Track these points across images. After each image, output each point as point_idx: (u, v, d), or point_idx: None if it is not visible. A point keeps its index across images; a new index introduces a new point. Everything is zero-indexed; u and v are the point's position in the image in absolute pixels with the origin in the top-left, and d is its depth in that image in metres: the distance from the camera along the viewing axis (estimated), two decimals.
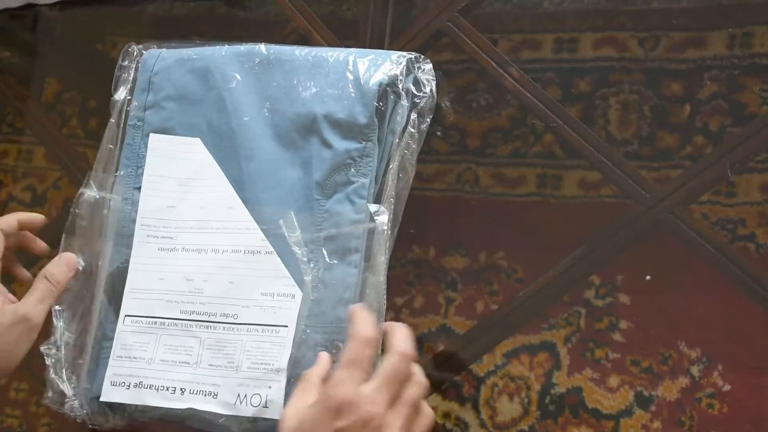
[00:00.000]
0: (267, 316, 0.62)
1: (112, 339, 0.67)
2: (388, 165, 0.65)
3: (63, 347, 0.69)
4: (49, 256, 0.68)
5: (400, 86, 0.66)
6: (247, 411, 0.61)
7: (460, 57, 0.73)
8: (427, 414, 0.53)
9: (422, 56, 0.68)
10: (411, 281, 0.70)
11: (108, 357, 0.66)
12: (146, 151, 0.70)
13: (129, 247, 0.68)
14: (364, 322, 0.54)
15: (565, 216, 0.68)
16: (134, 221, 0.69)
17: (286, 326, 0.62)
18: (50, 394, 0.68)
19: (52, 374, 0.68)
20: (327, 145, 0.65)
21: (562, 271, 0.66)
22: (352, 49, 0.69)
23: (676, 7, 0.70)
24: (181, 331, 0.65)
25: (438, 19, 0.74)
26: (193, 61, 0.71)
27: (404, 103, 0.66)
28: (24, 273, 0.70)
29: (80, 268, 0.68)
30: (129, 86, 0.74)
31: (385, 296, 0.63)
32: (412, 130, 0.66)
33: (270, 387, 0.61)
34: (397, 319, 0.70)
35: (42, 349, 0.69)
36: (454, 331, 0.68)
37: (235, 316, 0.63)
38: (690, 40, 0.68)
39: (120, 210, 0.69)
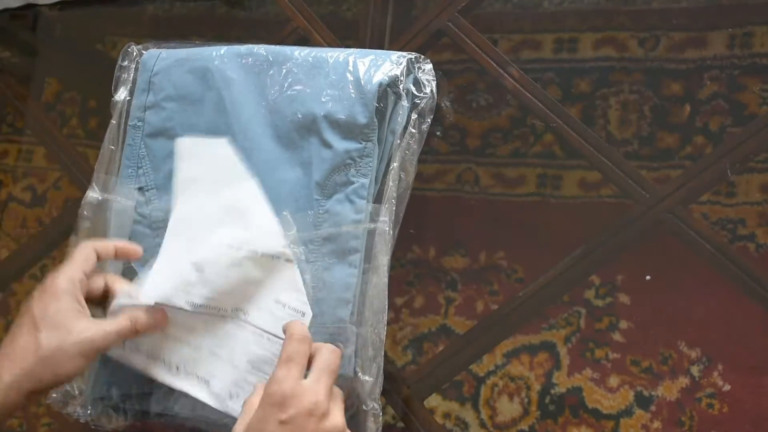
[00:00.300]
0: (275, 326, 0.62)
1: None
2: (388, 165, 0.65)
3: None
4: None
5: (400, 86, 0.66)
6: (236, 411, 0.61)
7: (460, 57, 0.73)
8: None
9: (422, 56, 0.68)
10: (411, 281, 0.70)
11: (112, 358, 0.66)
12: (146, 151, 0.70)
13: None
14: (296, 323, 0.58)
15: (565, 216, 0.68)
16: (136, 222, 0.69)
17: None
18: (54, 394, 0.68)
19: None
20: (327, 145, 0.65)
21: (562, 271, 0.66)
22: (352, 50, 0.69)
23: (676, 7, 0.70)
24: (190, 314, 0.62)
25: (438, 19, 0.74)
26: (192, 62, 0.71)
27: (404, 103, 0.66)
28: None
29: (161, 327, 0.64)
30: (129, 87, 0.74)
31: (386, 296, 0.63)
32: (413, 131, 0.66)
33: None
34: (396, 319, 0.70)
35: None
36: (454, 331, 0.69)
37: (246, 314, 0.62)
38: (690, 40, 0.68)
39: (122, 211, 0.69)
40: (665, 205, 0.64)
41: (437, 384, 0.67)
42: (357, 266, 0.63)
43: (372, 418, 0.62)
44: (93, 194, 0.70)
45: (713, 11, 0.68)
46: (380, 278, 0.63)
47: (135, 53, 0.75)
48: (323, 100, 0.66)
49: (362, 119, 0.65)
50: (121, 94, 0.74)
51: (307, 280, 0.62)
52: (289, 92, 0.67)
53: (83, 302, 0.59)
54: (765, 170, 0.64)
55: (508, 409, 0.66)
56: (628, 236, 0.65)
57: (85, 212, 0.69)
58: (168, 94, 0.71)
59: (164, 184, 0.69)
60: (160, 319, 0.62)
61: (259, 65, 0.69)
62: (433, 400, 0.67)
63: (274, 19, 0.82)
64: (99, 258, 0.62)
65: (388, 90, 0.65)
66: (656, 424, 0.62)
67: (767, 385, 0.60)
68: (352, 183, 0.64)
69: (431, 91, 0.68)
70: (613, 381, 0.64)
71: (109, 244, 0.63)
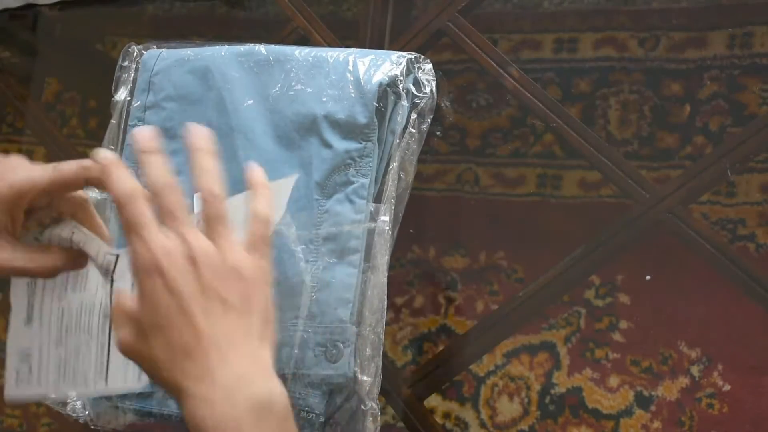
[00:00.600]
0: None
1: None
2: (388, 165, 0.65)
3: None
4: None
5: (400, 86, 0.66)
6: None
7: (460, 57, 0.73)
8: None
9: (422, 56, 0.68)
10: (411, 281, 0.70)
11: None
12: None
13: None
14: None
15: (565, 216, 0.68)
16: None
17: None
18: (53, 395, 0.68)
19: None
20: (327, 145, 0.65)
21: (562, 271, 0.66)
22: (352, 50, 0.69)
23: (676, 7, 0.70)
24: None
25: (438, 19, 0.74)
26: (192, 62, 0.71)
27: (404, 103, 0.66)
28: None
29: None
30: (129, 87, 0.74)
31: (385, 296, 0.63)
32: (413, 130, 0.66)
33: None
34: (396, 319, 0.70)
35: None
36: (454, 331, 0.68)
37: None
38: (690, 40, 0.68)
39: None
40: (665, 205, 0.64)
41: (437, 384, 0.67)
42: (357, 266, 0.63)
43: (371, 418, 0.62)
44: (93, 194, 0.70)
45: (713, 11, 0.68)
46: (379, 278, 0.63)
47: (135, 53, 0.75)
48: (323, 99, 0.66)
49: (362, 119, 0.65)
50: (121, 94, 0.74)
51: (307, 280, 0.62)
52: (289, 92, 0.68)
53: (19, 218, 0.51)
54: (765, 170, 0.64)
55: (508, 409, 0.66)
56: (628, 236, 0.65)
57: None
58: (168, 94, 0.71)
59: None
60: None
61: (260, 65, 0.69)
62: (433, 400, 0.67)
63: (274, 19, 0.82)
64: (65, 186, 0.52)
65: (388, 90, 0.65)
66: (656, 424, 0.62)
67: (767, 385, 0.60)
68: (352, 183, 0.64)
69: (431, 91, 0.68)
70: (613, 381, 0.64)
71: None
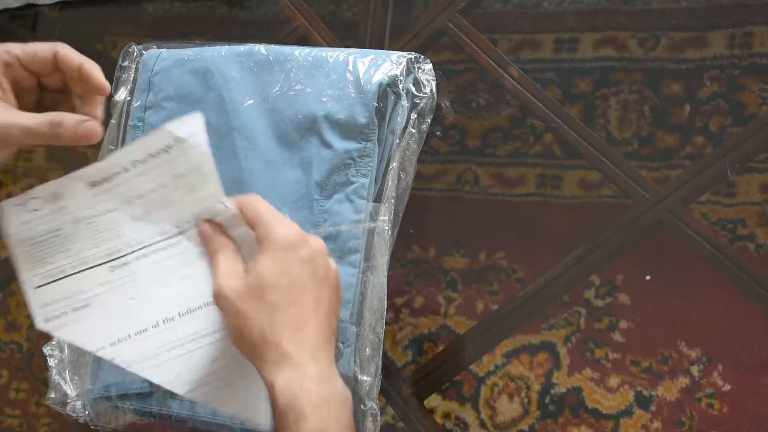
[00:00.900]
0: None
1: None
2: (388, 165, 0.65)
3: (66, 347, 0.69)
4: None
5: (400, 86, 0.66)
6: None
7: (460, 57, 0.73)
8: None
9: (422, 56, 0.68)
10: (411, 281, 0.70)
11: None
12: None
13: None
14: (240, 197, 0.54)
15: (565, 216, 0.68)
16: None
17: None
18: (53, 395, 0.68)
19: (54, 375, 0.68)
20: (327, 145, 0.65)
21: (562, 271, 0.66)
22: (352, 50, 0.69)
23: (676, 7, 0.70)
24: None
25: (438, 19, 0.74)
26: (192, 62, 0.71)
27: (404, 103, 0.66)
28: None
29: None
30: (129, 86, 0.74)
31: (385, 296, 0.63)
32: (413, 130, 0.66)
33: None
34: (396, 319, 0.70)
35: (45, 350, 0.69)
36: (454, 331, 0.68)
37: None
38: (690, 40, 0.68)
39: None
40: (665, 205, 0.64)
41: (437, 384, 0.67)
42: (357, 266, 0.63)
43: (371, 418, 0.62)
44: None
45: (713, 11, 0.68)
46: (379, 278, 0.63)
47: (135, 53, 0.75)
48: (323, 99, 0.66)
49: (362, 119, 0.65)
50: (121, 94, 0.74)
51: None
52: (289, 92, 0.68)
53: (5, 86, 0.52)
54: (765, 170, 0.64)
55: (508, 409, 0.66)
56: (628, 236, 0.65)
57: None
58: (168, 94, 0.71)
59: None
60: (90, 129, 0.51)
61: (260, 65, 0.69)
62: (433, 400, 0.67)
63: (274, 19, 0.82)
64: (58, 62, 0.53)
65: (388, 90, 0.65)
66: (656, 424, 0.62)
67: (767, 385, 0.60)
68: (352, 183, 0.64)
69: (431, 91, 0.68)
70: (613, 381, 0.64)
71: (77, 57, 0.53)
